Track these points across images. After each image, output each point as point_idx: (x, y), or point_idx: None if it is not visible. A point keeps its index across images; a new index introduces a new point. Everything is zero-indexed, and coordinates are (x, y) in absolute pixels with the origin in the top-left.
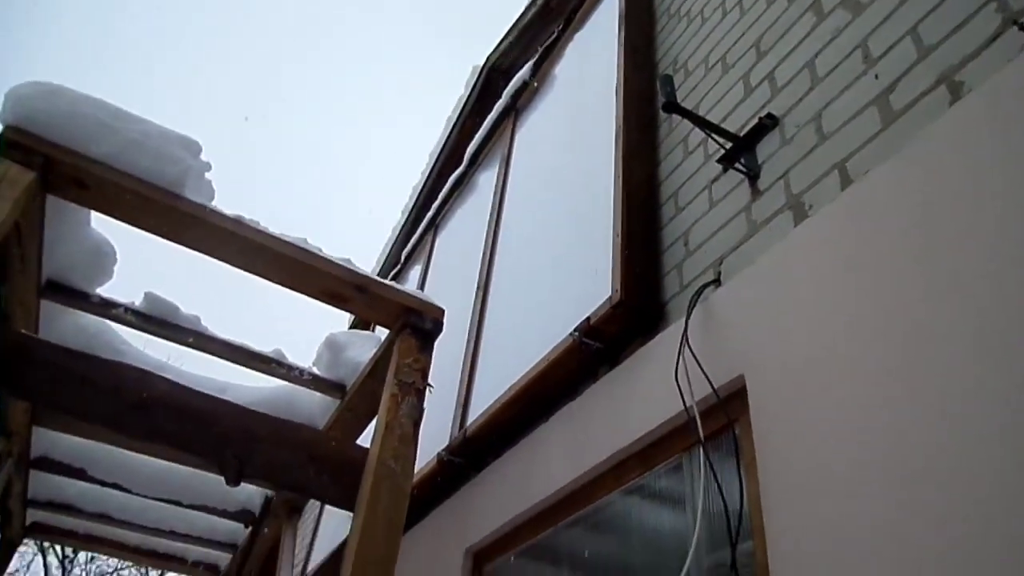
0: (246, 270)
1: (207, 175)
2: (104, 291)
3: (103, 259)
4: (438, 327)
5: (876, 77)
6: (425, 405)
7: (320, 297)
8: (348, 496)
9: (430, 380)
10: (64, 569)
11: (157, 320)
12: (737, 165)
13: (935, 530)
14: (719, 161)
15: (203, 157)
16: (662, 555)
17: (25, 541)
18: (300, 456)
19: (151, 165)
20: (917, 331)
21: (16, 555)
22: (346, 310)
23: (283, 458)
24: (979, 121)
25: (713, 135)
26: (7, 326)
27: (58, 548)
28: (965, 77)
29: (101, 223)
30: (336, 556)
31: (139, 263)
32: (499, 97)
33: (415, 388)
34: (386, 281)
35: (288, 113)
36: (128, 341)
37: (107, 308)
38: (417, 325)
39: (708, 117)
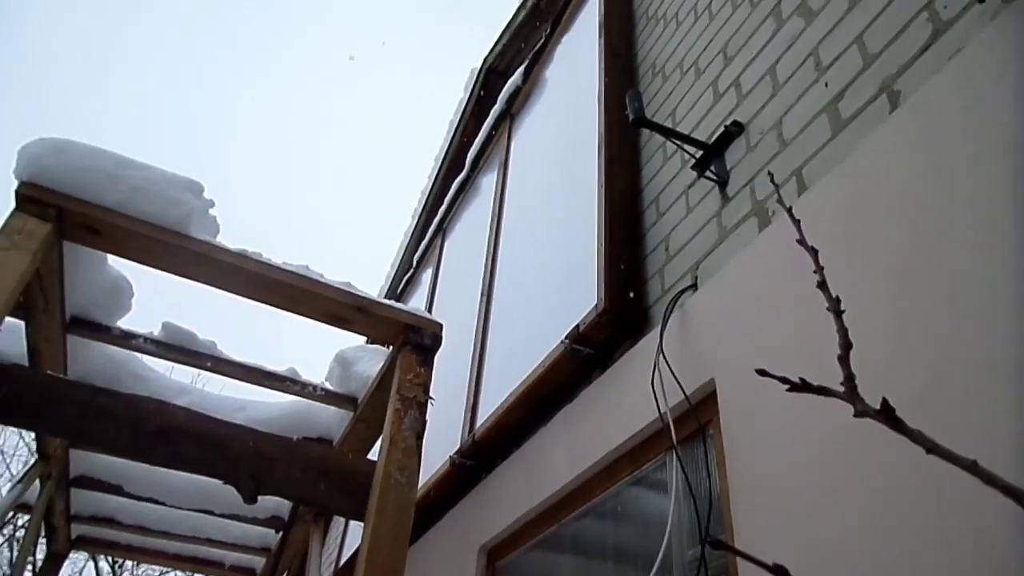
0: (253, 299)
1: (211, 211)
2: (125, 323)
3: (120, 294)
4: (437, 342)
5: (826, 85)
6: (428, 416)
7: (323, 319)
8: (358, 508)
9: (437, 388)
10: (115, 573)
11: (176, 347)
12: (708, 172)
13: (901, 527)
14: (693, 168)
15: (206, 195)
16: (654, 543)
17: (75, 551)
18: (312, 472)
19: (157, 209)
20: (867, 332)
21: (68, 562)
22: (348, 330)
23: (296, 475)
24: (909, 132)
25: (683, 145)
26: (36, 368)
27: (108, 557)
28: (902, 86)
29: (116, 260)
30: (351, 562)
31: (155, 295)
32: (497, 99)
33: (417, 402)
34: (385, 301)
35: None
36: (152, 368)
37: (128, 339)
38: (416, 342)
39: (683, 122)
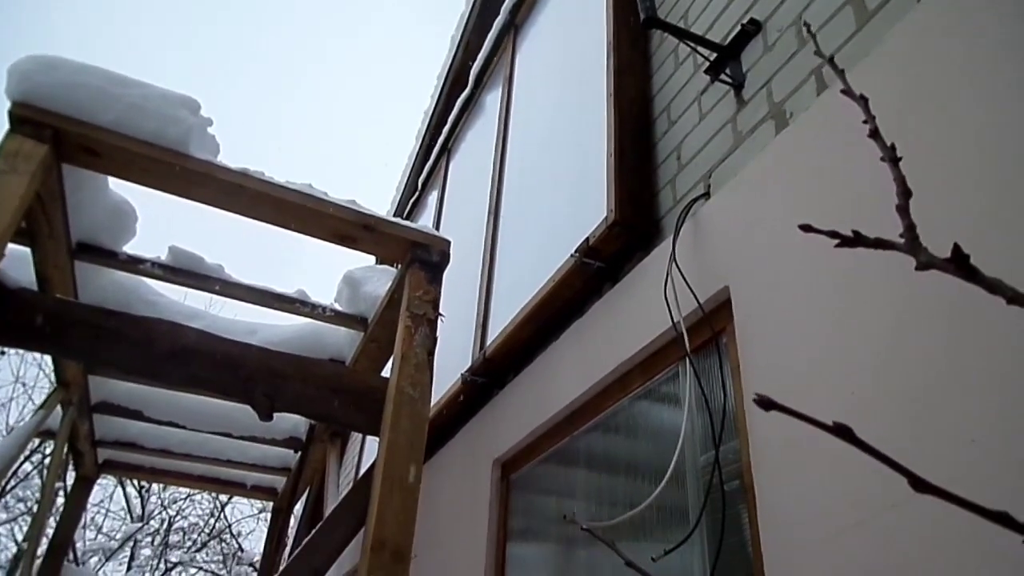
0: (256, 219)
1: (209, 130)
2: (130, 248)
3: (125, 218)
4: (445, 259)
5: None
6: (439, 333)
7: (330, 239)
8: (372, 423)
9: (446, 306)
10: (142, 498)
11: (184, 271)
12: (723, 75)
13: (912, 422)
14: (706, 72)
15: (203, 113)
16: (666, 454)
17: (103, 476)
18: (325, 389)
19: (155, 127)
20: (890, 233)
21: (98, 488)
22: (356, 249)
23: (309, 392)
24: (940, 20)
25: (697, 47)
26: (46, 292)
27: (134, 481)
28: None
29: (117, 184)
30: (367, 477)
31: (163, 220)
32: (500, 10)
33: (427, 319)
34: (392, 218)
35: (290, 49)
36: (161, 293)
37: (135, 264)
38: (424, 259)
39: (697, 23)
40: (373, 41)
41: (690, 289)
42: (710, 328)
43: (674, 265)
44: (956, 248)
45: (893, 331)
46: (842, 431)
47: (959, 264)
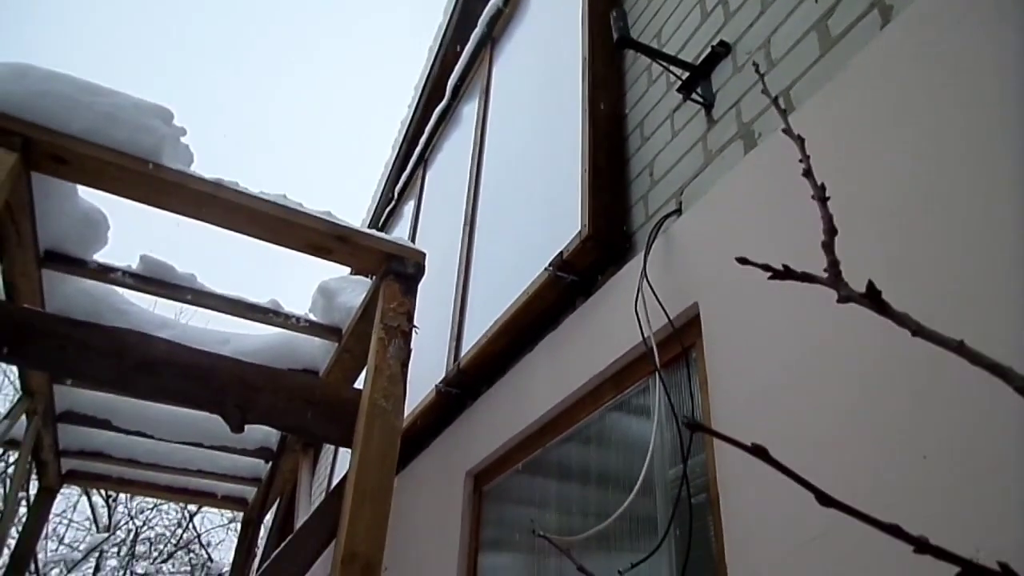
0: (230, 229)
1: (183, 139)
2: (102, 257)
3: (95, 227)
4: (420, 271)
5: (816, 1)
6: (413, 344)
7: (304, 250)
8: (345, 435)
9: (421, 317)
10: (109, 508)
11: (155, 281)
12: (694, 95)
13: (876, 437)
14: (678, 91)
15: (176, 123)
16: (636, 467)
17: (66, 486)
18: (297, 401)
19: (127, 136)
20: (854, 251)
21: (62, 497)
22: (330, 260)
23: (281, 404)
24: (902, 47)
25: (669, 67)
26: (12, 302)
27: (100, 490)
28: (894, 0)
29: (90, 193)
30: (339, 488)
31: (138, 229)
32: (478, 23)
33: (401, 331)
34: (366, 230)
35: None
36: (132, 302)
37: (105, 273)
38: (399, 271)
39: (670, 43)
40: (350, 51)
41: (660, 304)
42: (679, 343)
43: (645, 280)
44: (870, 285)
45: (854, 348)
46: (758, 451)
47: (872, 299)
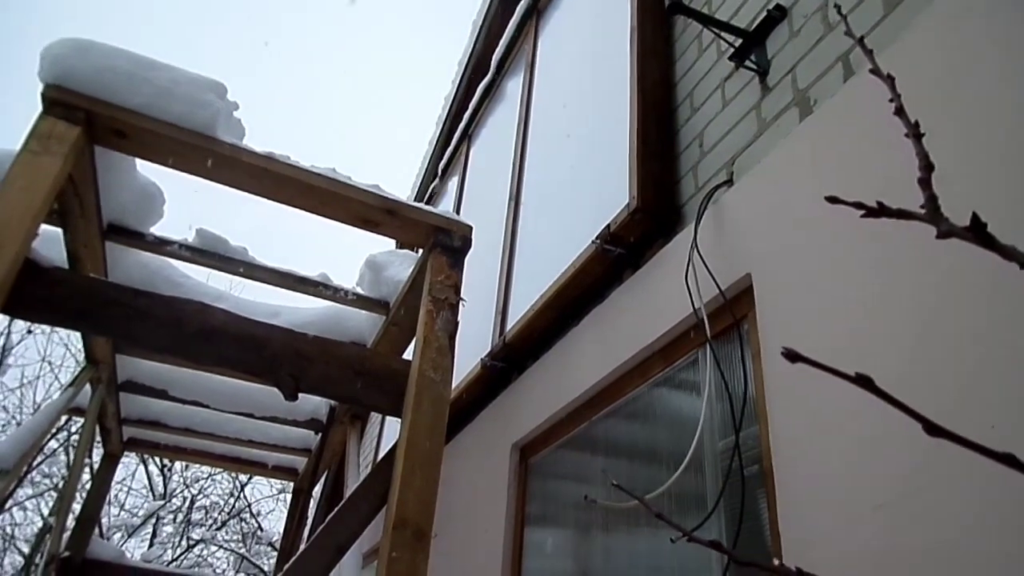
0: (282, 202)
1: (235, 114)
2: (158, 230)
3: (152, 200)
4: (467, 244)
5: None
6: (460, 318)
7: (353, 222)
8: (395, 405)
9: (467, 292)
10: (164, 476)
11: (209, 253)
12: (748, 62)
13: (933, 408)
14: (730, 59)
15: (229, 97)
16: (684, 440)
17: (126, 454)
18: (348, 371)
19: (183, 110)
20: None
21: (122, 466)
22: (378, 233)
23: (333, 374)
24: (967, 5)
25: (721, 33)
26: (77, 272)
27: (157, 459)
28: None
29: (144, 166)
30: (389, 457)
31: (189, 203)
32: None
33: (448, 303)
34: (414, 203)
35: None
36: (187, 275)
37: (162, 245)
38: (446, 244)
39: (721, 10)
40: (394, 26)
41: (711, 276)
42: (731, 315)
43: (696, 251)
44: (975, 217)
45: (918, 317)
46: (863, 381)
47: (977, 232)
